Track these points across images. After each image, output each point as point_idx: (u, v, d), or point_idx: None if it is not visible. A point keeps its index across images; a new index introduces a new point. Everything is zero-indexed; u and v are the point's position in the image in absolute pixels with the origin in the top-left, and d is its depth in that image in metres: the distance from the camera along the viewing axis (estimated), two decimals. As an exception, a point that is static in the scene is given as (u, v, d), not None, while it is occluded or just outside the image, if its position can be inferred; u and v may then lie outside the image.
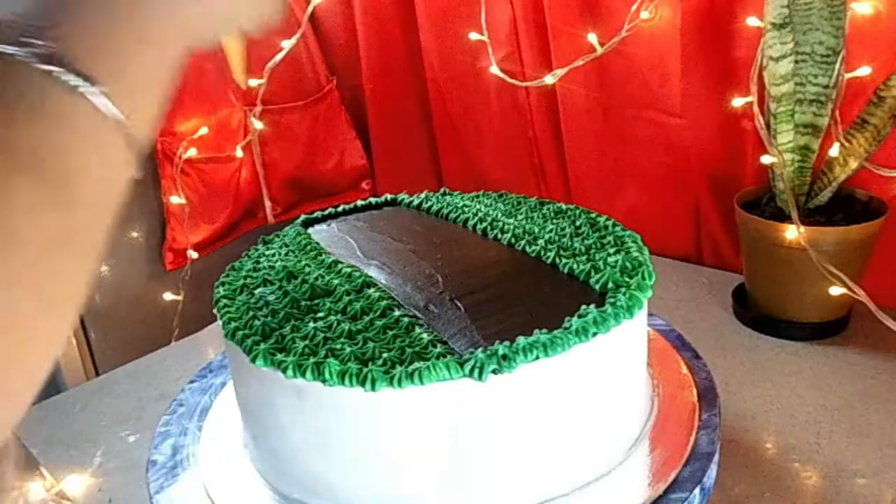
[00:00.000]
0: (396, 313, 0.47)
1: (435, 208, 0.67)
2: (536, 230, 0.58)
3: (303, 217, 0.69)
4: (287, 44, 1.12)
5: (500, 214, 0.63)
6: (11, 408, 0.22)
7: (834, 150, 0.72)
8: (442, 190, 0.72)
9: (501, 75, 1.01)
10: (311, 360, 0.43)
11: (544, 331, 0.43)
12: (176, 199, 1.07)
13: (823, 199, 0.75)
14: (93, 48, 0.24)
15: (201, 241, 1.10)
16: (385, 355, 0.43)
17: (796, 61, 0.71)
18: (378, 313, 0.48)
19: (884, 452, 0.59)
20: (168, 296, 1.07)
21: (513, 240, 0.58)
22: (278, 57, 1.12)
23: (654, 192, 0.99)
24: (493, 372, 0.40)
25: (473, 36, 1.02)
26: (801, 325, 0.76)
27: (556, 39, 0.96)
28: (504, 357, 0.41)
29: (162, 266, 1.07)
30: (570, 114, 1.01)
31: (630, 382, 0.51)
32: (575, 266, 0.51)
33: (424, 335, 0.44)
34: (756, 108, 0.75)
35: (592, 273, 0.50)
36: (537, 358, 0.42)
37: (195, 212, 1.09)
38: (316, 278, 0.53)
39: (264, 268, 0.57)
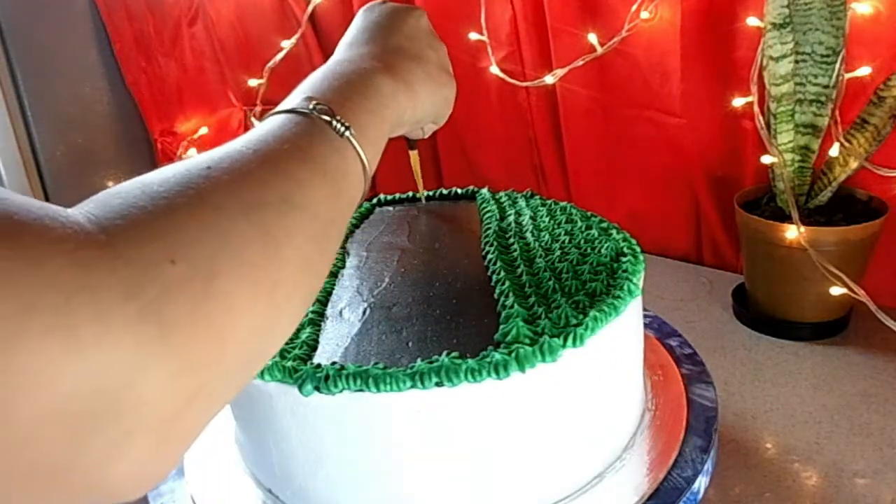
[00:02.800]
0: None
1: (494, 211, 0.65)
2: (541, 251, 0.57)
3: (381, 196, 0.73)
4: (287, 44, 1.12)
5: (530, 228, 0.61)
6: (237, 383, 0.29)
7: (834, 150, 0.72)
8: (527, 191, 0.70)
9: (501, 75, 1.01)
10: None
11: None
12: (176, 199, 1.07)
13: (823, 199, 0.75)
14: (351, 113, 0.36)
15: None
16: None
17: (796, 61, 0.71)
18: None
19: (884, 452, 0.59)
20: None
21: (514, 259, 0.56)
22: (278, 57, 1.12)
23: (654, 192, 0.99)
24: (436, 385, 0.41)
25: (473, 36, 1.02)
26: (801, 325, 0.76)
27: (556, 39, 0.96)
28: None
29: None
30: (570, 114, 1.01)
31: (625, 383, 0.51)
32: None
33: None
34: (756, 108, 0.75)
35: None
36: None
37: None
38: None
39: None
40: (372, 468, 0.44)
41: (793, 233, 0.71)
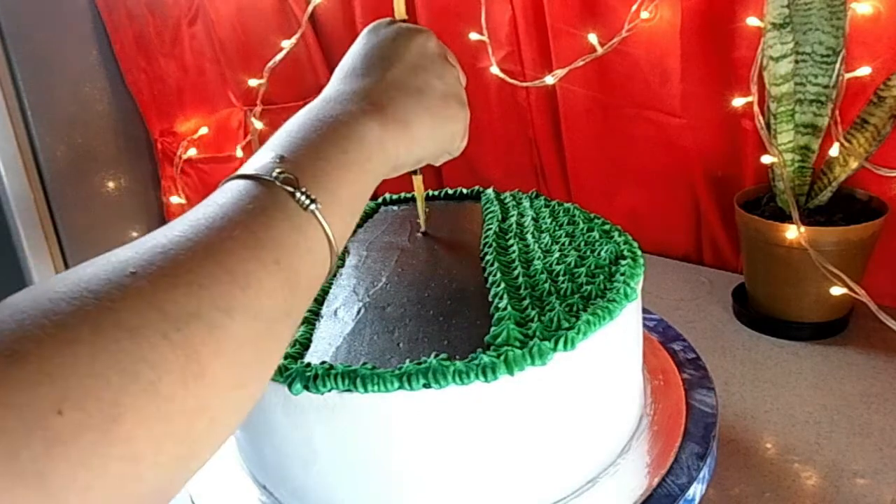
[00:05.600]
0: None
1: (497, 211, 0.65)
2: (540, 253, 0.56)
3: (386, 196, 0.72)
4: (287, 44, 1.12)
5: (532, 230, 0.60)
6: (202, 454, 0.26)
7: (834, 150, 0.72)
8: (532, 192, 0.70)
9: (501, 75, 1.01)
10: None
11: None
12: (176, 199, 1.07)
13: (823, 199, 0.75)
14: (323, 175, 0.33)
15: (201, 241, 1.10)
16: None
17: (796, 61, 0.71)
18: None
19: (884, 452, 0.59)
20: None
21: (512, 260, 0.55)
22: (278, 57, 1.12)
23: (654, 192, 0.99)
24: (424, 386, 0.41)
25: (473, 36, 1.02)
26: (801, 325, 0.76)
27: (556, 39, 0.96)
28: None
29: (162, 266, 1.07)
30: (570, 114, 1.01)
31: (620, 387, 0.51)
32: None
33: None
34: (756, 108, 0.75)
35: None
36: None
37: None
38: None
39: None
40: (362, 468, 0.44)
41: (793, 233, 0.71)
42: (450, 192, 0.72)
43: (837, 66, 0.70)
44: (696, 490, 0.49)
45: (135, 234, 1.05)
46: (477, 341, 0.44)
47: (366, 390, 0.41)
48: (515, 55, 1.01)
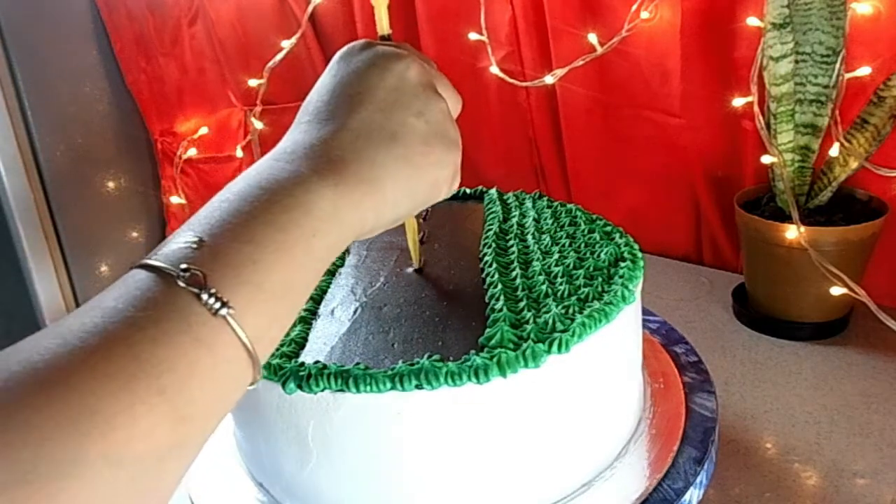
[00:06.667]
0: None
1: (499, 213, 0.64)
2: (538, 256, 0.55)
3: None
4: (287, 44, 1.12)
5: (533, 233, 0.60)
6: None
7: (834, 150, 0.72)
8: (535, 193, 0.69)
9: (501, 75, 1.01)
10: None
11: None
12: (176, 199, 1.07)
13: (823, 199, 0.75)
14: (249, 263, 0.27)
15: (201, 242, 1.10)
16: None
17: (796, 61, 0.71)
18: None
19: (884, 452, 0.59)
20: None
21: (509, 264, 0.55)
22: (278, 57, 1.12)
23: (654, 192, 0.99)
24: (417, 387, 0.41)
25: (473, 36, 1.02)
26: (801, 325, 0.76)
27: (556, 39, 0.96)
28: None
29: (162, 266, 1.07)
30: (570, 114, 1.01)
31: (617, 390, 0.50)
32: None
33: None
34: (756, 108, 0.75)
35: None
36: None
37: (195, 212, 1.09)
38: None
39: None
40: (354, 468, 0.44)
41: (793, 233, 0.71)
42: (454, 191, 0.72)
43: (837, 66, 0.70)
44: (693, 495, 0.48)
45: (134, 233, 1.06)
46: (471, 342, 0.44)
47: (358, 390, 0.41)
48: (515, 55, 1.01)
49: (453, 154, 0.39)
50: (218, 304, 0.26)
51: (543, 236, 0.58)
